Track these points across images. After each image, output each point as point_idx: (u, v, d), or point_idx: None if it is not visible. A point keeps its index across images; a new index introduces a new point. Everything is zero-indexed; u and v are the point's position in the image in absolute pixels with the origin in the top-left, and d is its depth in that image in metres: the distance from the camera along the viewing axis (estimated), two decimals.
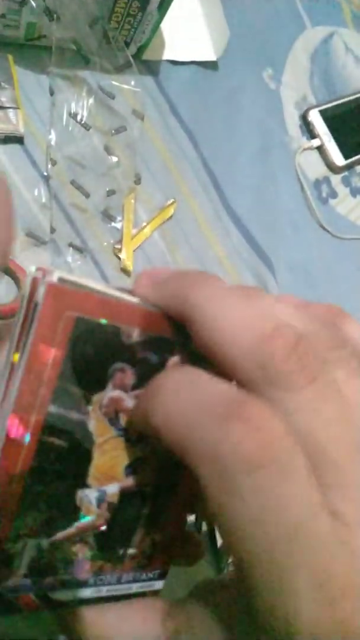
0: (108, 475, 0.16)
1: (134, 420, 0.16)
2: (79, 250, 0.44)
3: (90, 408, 0.16)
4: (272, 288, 0.50)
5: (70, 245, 0.44)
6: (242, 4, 0.58)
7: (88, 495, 0.16)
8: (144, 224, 0.47)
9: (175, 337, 0.17)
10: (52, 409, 0.15)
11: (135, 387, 0.16)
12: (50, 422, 0.15)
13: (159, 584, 0.18)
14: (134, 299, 0.16)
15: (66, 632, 0.17)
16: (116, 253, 0.45)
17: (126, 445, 0.17)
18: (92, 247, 0.45)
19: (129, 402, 0.16)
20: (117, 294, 0.16)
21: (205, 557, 0.41)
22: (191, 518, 0.36)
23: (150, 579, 0.18)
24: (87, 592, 0.17)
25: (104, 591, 0.17)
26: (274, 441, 0.13)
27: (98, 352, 0.15)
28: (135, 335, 0.16)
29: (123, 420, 0.16)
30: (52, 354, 0.15)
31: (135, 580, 0.17)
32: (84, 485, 0.16)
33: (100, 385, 0.16)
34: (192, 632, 0.15)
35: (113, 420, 0.16)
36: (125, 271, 0.45)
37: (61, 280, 0.14)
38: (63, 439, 0.15)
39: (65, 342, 0.15)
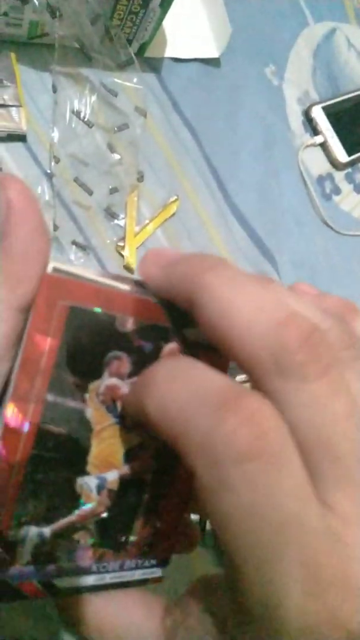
0: (107, 462, 0.16)
1: (127, 409, 0.16)
2: (81, 247, 0.44)
3: (87, 396, 0.16)
4: None
5: (73, 242, 0.44)
6: (244, 0, 0.57)
7: (88, 483, 0.16)
8: (147, 221, 0.47)
9: (170, 325, 0.17)
10: (50, 397, 0.15)
11: (131, 374, 0.16)
12: (48, 410, 0.15)
13: (161, 571, 0.18)
14: (128, 287, 0.16)
15: (67, 622, 0.17)
16: (119, 250, 0.45)
17: (124, 433, 0.17)
18: (95, 244, 0.45)
19: (125, 389, 0.16)
20: (112, 282, 0.16)
21: (206, 555, 0.41)
22: (195, 517, 0.37)
23: (152, 566, 0.18)
24: (90, 580, 0.17)
25: (107, 578, 0.17)
26: (267, 432, 0.13)
27: (93, 341, 0.15)
28: (130, 323, 0.16)
29: (120, 406, 0.17)
30: (48, 344, 0.15)
31: (137, 568, 0.18)
32: (84, 472, 0.16)
33: (97, 374, 0.16)
34: (188, 628, 0.15)
35: (110, 407, 0.16)
36: (128, 269, 0.45)
37: (56, 270, 0.15)
38: (61, 427, 0.16)
39: (60, 331, 0.15)
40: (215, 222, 0.50)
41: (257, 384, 0.14)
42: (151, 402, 0.14)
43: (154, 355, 0.17)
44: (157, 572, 0.18)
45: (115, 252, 0.45)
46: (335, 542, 0.13)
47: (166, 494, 0.18)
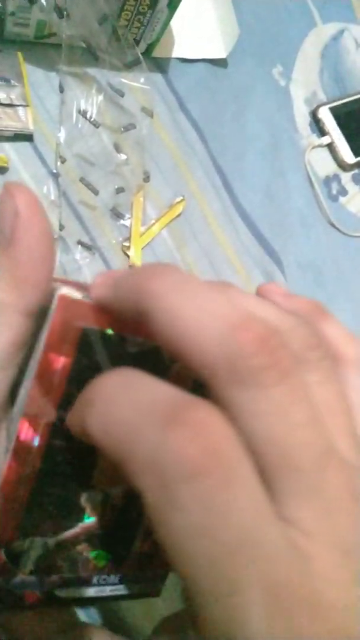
0: (112, 478, 0.17)
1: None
2: (87, 247, 0.44)
3: None
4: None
5: (79, 242, 0.44)
6: (252, 1, 0.57)
7: (93, 497, 0.17)
8: (153, 221, 0.47)
9: None
10: (61, 413, 0.16)
11: None
12: (59, 426, 0.16)
13: (160, 585, 0.19)
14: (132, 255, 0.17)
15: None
16: (124, 251, 0.45)
17: None
18: (100, 244, 0.45)
19: None
20: None
21: None
22: None
23: (151, 579, 0.18)
24: (91, 592, 0.17)
25: (107, 591, 0.17)
26: (217, 447, 0.12)
27: (104, 361, 0.16)
28: (140, 343, 0.16)
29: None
30: (61, 362, 0.15)
31: (137, 581, 0.18)
32: (89, 487, 0.17)
33: None
34: None
35: None
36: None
37: (70, 292, 0.15)
38: (70, 442, 0.16)
39: (73, 351, 0.15)
40: (221, 223, 0.50)
41: (213, 393, 0.13)
42: (93, 421, 0.13)
43: (166, 375, 0.17)
44: (155, 586, 0.19)
45: (120, 253, 0.45)
46: (299, 559, 0.12)
47: None
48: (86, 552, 0.17)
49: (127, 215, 0.46)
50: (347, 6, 0.65)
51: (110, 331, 0.16)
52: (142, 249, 0.46)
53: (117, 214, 0.45)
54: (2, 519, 0.15)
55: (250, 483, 0.12)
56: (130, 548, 0.18)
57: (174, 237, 0.47)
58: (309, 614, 0.12)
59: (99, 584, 0.17)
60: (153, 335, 0.14)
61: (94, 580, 0.17)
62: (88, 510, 0.17)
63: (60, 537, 0.16)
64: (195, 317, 0.13)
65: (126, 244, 0.45)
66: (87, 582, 0.17)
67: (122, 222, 0.46)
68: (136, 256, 0.45)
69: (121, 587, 0.18)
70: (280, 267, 0.51)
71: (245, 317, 0.13)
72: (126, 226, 0.46)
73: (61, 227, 0.43)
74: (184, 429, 0.12)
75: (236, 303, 0.13)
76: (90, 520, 0.17)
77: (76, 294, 0.15)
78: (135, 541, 0.18)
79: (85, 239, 0.44)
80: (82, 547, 0.17)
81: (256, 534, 0.12)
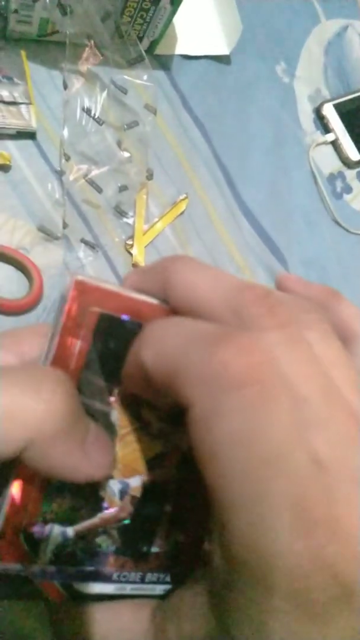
0: (131, 468, 0.17)
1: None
2: (90, 246, 0.44)
3: (112, 400, 0.17)
4: None
5: (82, 241, 0.44)
6: None
7: (111, 486, 0.17)
8: (156, 219, 0.47)
9: None
10: (79, 398, 0.16)
11: None
12: None
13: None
14: (154, 300, 0.17)
15: (55, 626, 0.17)
16: (128, 249, 0.45)
17: (148, 439, 0.17)
18: (104, 242, 0.45)
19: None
20: (139, 295, 0.17)
21: None
22: None
23: (174, 582, 0.18)
24: (111, 588, 0.17)
25: (127, 589, 0.17)
26: (260, 363, 0.13)
27: (120, 347, 0.16)
28: None
29: (144, 413, 0.17)
30: (78, 347, 0.16)
31: (159, 582, 0.18)
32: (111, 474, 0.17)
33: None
34: (178, 622, 0.15)
35: (135, 412, 0.17)
36: (136, 267, 0.45)
37: (87, 278, 0.16)
38: None
39: (89, 336, 0.16)
40: (225, 220, 0.50)
41: None
42: (148, 352, 0.15)
43: None
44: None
45: (124, 251, 0.45)
46: (323, 483, 0.13)
47: (189, 508, 0.18)
48: (105, 545, 0.17)
49: (131, 213, 0.46)
50: (351, 2, 0.64)
51: (126, 318, 0.16)
52: (146, 247, 0.46)
53: (120, 212, 0.45)
54: (21, 504, 0.15)
55: (286, 402, 0.13)
56: (150, 545, 0.17)
57: (178, 234, 0.47)
58: (328, 535, 0.12)
59: (119, 581, 0.17)
60: (172, 303, 0.16)
61: (114, 576, 0.17)
62: (107, 500, 0.17)
63: (79, 527, 0.16)
64: (207, 283, 0.16)
65: (129, 242, 0.45)
66: (108, 578, 0.17)
67: (125, 220, 0.46)
68: (139, 254, 0.45)
69: (143, 587, 0.17)
70: (284, 265, 0.51)
71: (250, 283, 0.15)
72: (129, 224, 0.46)
73: (65, 226, 0.43)
74: (231, 346, 0.13)
75: (240, 279, 0.16)
76: (109, 511, 0.17)
77: (93, 281, 0.16)
78: (155, 538, 0.17)
79: (89, 237, 0.44)
80: (101, 540, 0.17)
81: (288, 449, 0.12)
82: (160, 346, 0.14)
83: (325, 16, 0.62)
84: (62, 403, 0.14)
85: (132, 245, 0.45)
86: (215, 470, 0.13)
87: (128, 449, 0.17)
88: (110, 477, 0.17)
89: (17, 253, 0.40)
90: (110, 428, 0.17)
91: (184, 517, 0.18)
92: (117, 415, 0.17)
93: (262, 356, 0.13)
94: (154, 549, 0.17)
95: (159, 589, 0.18)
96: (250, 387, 0.13)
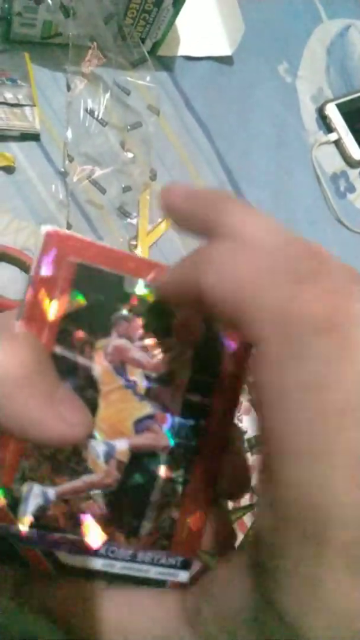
0: (116, 429, 0.16)
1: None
2: None
3: (94, 354, 0.16)
4: None
5: None
6: None
7: (95, 447, 0.16)
8: (160, 219, 0.47)
9: None
10: (58, 349, 0.15)
11: (142, 337, 0.16)
12: (56, 362, 0.15)
13: (183, 575, 0.17)
14: (139, 254, 0.16)
15: (59, 603, 0.16)
16: (132, 249, 0.45)
17: (134, 399, 0.16)
18: (108, 243, 0.45)
19: (135, 352, 0.16)
20: (122, 249, 0.16)
21: None
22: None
23: (171, 566, 0.17)
24: (98, 563, 0.16)
25: (117, 567, 0.16)
26: (344, 311, 0.12)
27: (100, 298, 0.16)
28: (139, 285, 0.16)
29: (130, 371, 0.16)
30: (56, 297, 0.15)
31: (153, 563, 0.16)
32: (91, 435, 0.16)
33: (104, 332, 0.16)
34: (214, 602, 0.15)
35: (119, 369, 0.16)
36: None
37: (59, 230, 0.15)
38: (69, 381, 0.16)
39: (68, 287, 0.15)
40: None
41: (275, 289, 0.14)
42: (210, 276, 0.14)
43: (168, 319, 0.17)
44: (177, 575, 0.17)
45: (128, 251, 0.45)
46: None
47: (187, 480, 0.17)
48: (91, 511, 0.16)
49: (134, 214, 0.46)
50: (353, 2, 0.64)
51: (106, 269, 0.16)
52: (149, 247, 0.46)
53: (124, 213, 0.45)
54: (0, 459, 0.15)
55: None
56: (141, 519, 0.16)
57: (181, 235, 0.47)
58: None
59: (107, 556, 0.16)
60: (219, 242, 0.15)
61: (102, 551, 0.16)
62: (90, 462, 0.16)
63: (60, 489, 0.15)
64: (260, 231, 0.14)
65: (133, 242, 0.45)
66: (94, 552, 0.16)
67: (129, 220, 0.46)
68: (143, 254, 0.45)
69: (134, 566, 0.16)
70: None
71: (296, 236, 0.15)
72: (133, 225, 0.46)
73: (69, 226, 0.43)
74: (316, 288, 0.13)
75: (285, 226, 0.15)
76: (94, 474, 0.16)
77: (66, 232, 0.15)
78: (147, 512, 0.16)
79: (93, 238, 0.44)
80: (86, 505, 0.16)
81: (358, 403, 0.12)
82: (229, 273, 0.13)
83: (327, 16, 0.62)
84: (24, 352, 0.14)
85: (136, 246, 0.45)
86: (281, 415, 0.12)
87: (112, 408, 0.16)
88: (92, 436, 0.16)
89: (21, 254, 0.40)
90: (92, 384, 0.16)
91: (182, 491, 0.17)
92: (100, 371, 0.16)
93: (346, 304, 0.13)
94: (146, 524, 0.16)
95: (154, 572, 0.16)
96: (332, 333, 0.12)
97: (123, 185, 0.45)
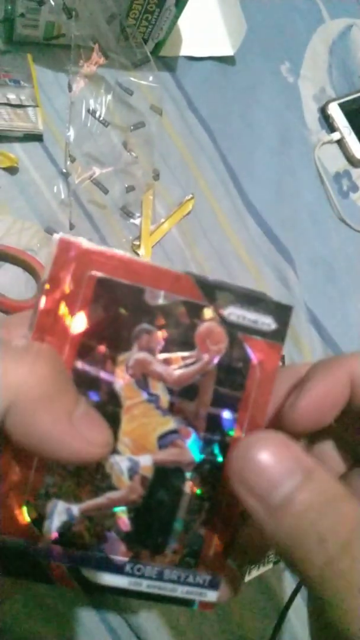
0: (139, 444, 0.16)
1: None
2: None
3: (116, 369, 0.16)
4: (292, 282, 0.50)
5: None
6: None
7: (119, 463, 0.16)
8: (163, 219, 0.47)
9: (205, 301, 0.16)
10: (79, 365, 0.15)
11: (163, 350, 0.16)
12: (77, 377, 0.15)
13: (211, 595, 0.16)
14: (160, 265, 0.16)
15: None
16: (135, 249, 0.45)
17: (157, 413, 0.16)
18: (110, 243, 0.45)
19: (156, 365, 0.16)
20: (143, 260, 0.16)
21: None
22: None
23: (198, 585, 0.16)
24: (124, 581, 0.16)
25: (143, 585, 0.16)
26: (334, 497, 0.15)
27: (121, 312, 0.15)
28: (161, 297, 0.16)
29: (152, 385, 0.16)
30: (76, 313, 0.15)
31: (180, 582, 0.16)
32: (114, 450, 0.16)
33: (126, 346, 0.16)
34: None
35: (141, 383, 0.16)
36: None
37: (80, 241, 0.15)
38: (90, 395, 0.15)
39: (88, 301, 0.15)
40: (231, 220, 0.50)
41: None
42: (285, 531, 0.15)
43: (189, 332, 0.16)
44: (205, 595, 0.17)
45: (131, 251, 0.45)
46: None
47: (213, 497, 0.16)
48: (116, 530, 0.16)
49: (137, 214, 0.46)
50: (355, 2, 0.64)
51: (127, 282, 0.15)
52: (152, 247, 0.46)
53: (127, 213, 0.45)
54: (23, 476, 0.15)
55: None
56: (167, 536, 0.16)
57: (184, 235, 0.47)
58: None
59: (133, 574, 0.16)
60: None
61: (127, 567, 0.16)
62: (114, 478, 0.16)
63: (84, 506, 0.15)
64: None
65: (136, 242, 0.45)
66: (120, 569, 0.16)
67: (132, 220, 0.46)
68: (146, 255, 0.45)
69: (161, 585, 0.16)
70: (291, 264, 0.51)
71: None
72: (136, 225, 0.46)
73: (71, 227, 0.43)
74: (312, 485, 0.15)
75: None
76: (118, 491, 0.16)
77: (84, 243, 0.15)
78: (173, 529, 0.16)
79: (95, 238, 0.44)
80: (110, 523, 0.16)
81: None
82: (298, 532, 0.15)
83: (330, 15, 0.62)
84: (45, 368, 0.14)
85: (139, 246, 0.45)
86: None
87: (135, 422, 0.16)
88: (116, 452, 0.16)
89: (24, 254, 0.41)
90: (114, 398, 0.16)
91: (208, 508, 0.16)
92: (122, 386, 0.16)
93: (334, 491, 0.15)
94: (172, 542, 0.16)
95: (181, 591, 0.16)
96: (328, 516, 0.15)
97: (126, 186, 0.45)
